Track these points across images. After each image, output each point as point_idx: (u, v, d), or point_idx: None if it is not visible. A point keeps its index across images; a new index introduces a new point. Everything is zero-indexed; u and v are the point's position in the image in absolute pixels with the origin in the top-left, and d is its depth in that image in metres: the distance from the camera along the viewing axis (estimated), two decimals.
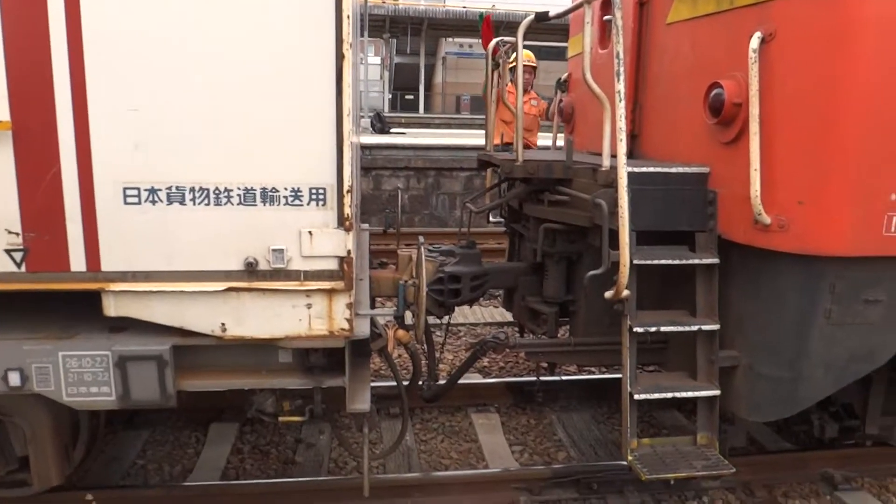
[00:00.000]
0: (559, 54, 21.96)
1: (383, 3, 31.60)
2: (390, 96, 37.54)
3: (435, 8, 32.91)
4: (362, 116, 16.80)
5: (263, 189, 2.68)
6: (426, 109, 36.58)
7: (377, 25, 31.13)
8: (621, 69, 3.20)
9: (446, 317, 4.39)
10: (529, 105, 7.49)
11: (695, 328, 3.42)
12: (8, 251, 2.63)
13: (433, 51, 38.37)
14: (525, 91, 5.88)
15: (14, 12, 2.45)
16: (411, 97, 37.71)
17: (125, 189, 2.62)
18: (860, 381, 3.62)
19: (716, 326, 3.42)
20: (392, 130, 18.72)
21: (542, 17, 3.82)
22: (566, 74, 5.59)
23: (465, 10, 31.98)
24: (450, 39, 37.84)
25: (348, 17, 2.56)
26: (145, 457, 4.36)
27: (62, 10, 2.47)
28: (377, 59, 38.62)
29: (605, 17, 4.43)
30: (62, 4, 2.46)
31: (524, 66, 4.55)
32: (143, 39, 2.52)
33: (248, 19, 2.55)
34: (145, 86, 2.55)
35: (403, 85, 38.39)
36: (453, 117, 29.33)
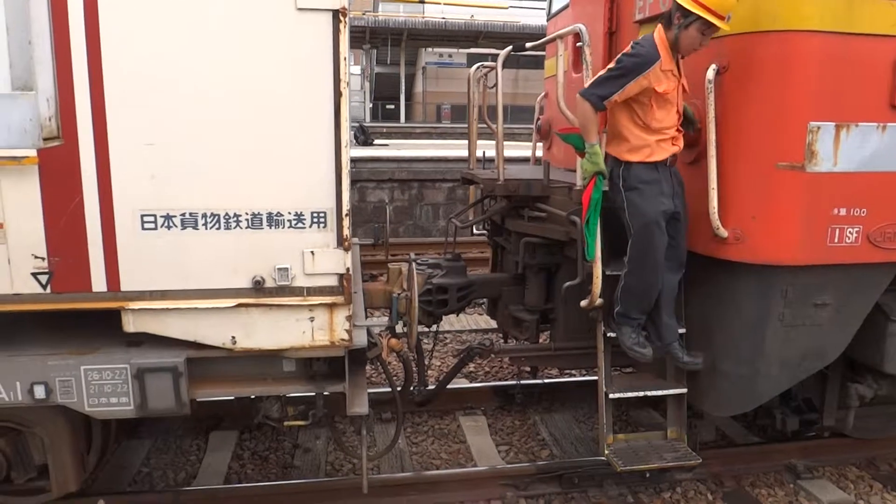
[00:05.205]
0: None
1: (363, 14, 31.89)
2: (371, 106, 37.78)
3: (414, 19, 33.18)
4: None
5: (269, 214, 2.95)
6: (407, 119, 36.80)
7: (357, 36, 31.34)
8: None
9: (434, 325, 4.68)
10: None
11: None
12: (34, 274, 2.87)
13: (413, 60, 38.69)
14: None
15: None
16: (392, 107, 37.94)
17: (142, 216, 2.88)
18: (817, 377, 3.97)
19: (682, 330, 3.74)
20: (375, 142, 18.97)
21: (518, 48, 4.13)
22: (543, 94, 5.91)
23: (444, 20, 32.33)
24: (429, 49, 38.17)
25: (345, 59, 2.85)
26: (150, 464, 4.57)
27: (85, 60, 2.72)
28: (358, 69, 38.88)
29: (578, 44, 4.73)
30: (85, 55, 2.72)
31: None
32: (159, 83, 2.78)
33: (255, 62, 2.82)
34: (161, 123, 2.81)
35: (384, 95, 38.63)
36: (435, 126, 29.57)
